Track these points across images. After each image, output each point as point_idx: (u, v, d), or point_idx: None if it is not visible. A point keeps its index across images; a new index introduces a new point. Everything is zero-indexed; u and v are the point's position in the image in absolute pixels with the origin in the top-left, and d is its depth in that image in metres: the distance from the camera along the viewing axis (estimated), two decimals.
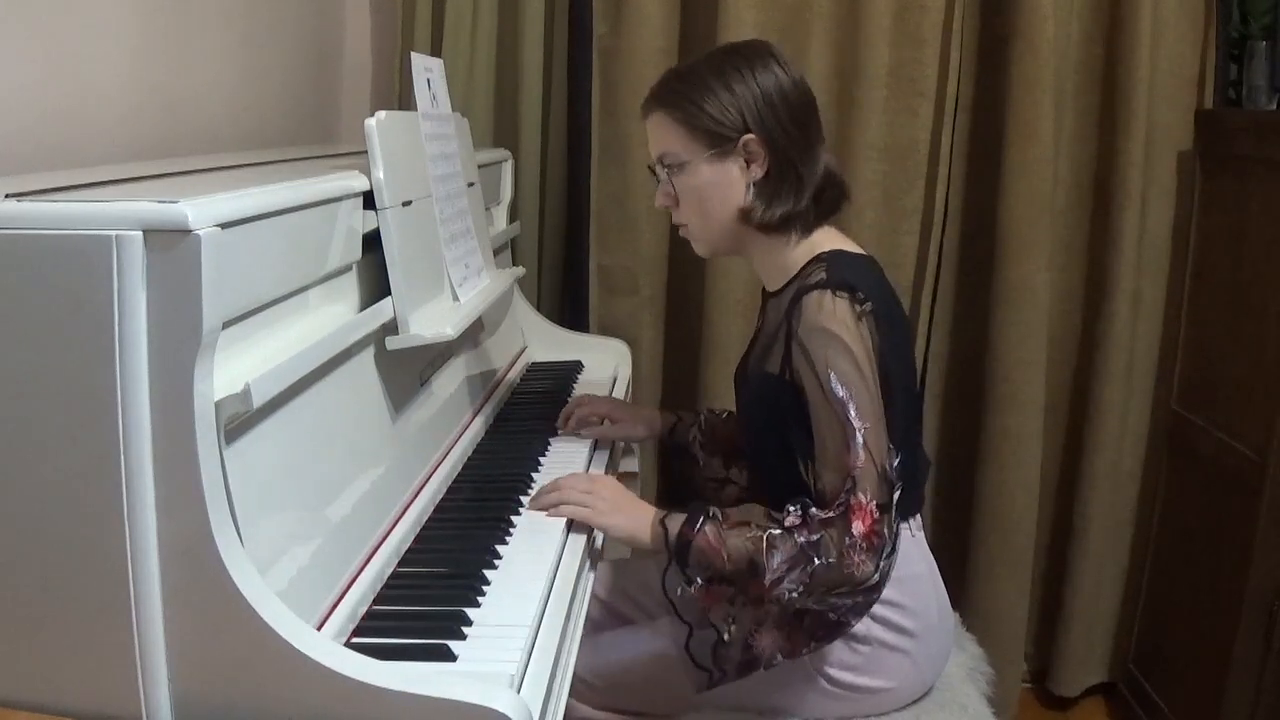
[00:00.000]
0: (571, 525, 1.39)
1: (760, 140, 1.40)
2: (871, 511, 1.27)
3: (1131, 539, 2.41)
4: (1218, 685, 1.99)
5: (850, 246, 1.46)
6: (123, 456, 0.92)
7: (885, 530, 1.28)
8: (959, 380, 2.37)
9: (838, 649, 1.40)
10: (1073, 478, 2.36)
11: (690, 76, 1.44)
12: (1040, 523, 2.32)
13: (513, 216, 2.28)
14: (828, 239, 1.45)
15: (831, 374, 1.30)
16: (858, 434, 1.29)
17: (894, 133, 2.24)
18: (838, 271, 1.37)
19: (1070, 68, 2.24)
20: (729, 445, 1.73)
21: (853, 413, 1.29)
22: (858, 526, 1.26)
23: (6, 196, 0.96)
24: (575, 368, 2.13)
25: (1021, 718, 2.40)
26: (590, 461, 1.66)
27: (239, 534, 0.96)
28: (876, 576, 1.28)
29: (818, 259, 1.41)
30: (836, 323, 1.31)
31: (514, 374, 2.02)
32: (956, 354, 2.36)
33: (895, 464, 1.32)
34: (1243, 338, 2.07)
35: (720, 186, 1.43)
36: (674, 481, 1.90)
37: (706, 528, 1.33)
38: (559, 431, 1.74)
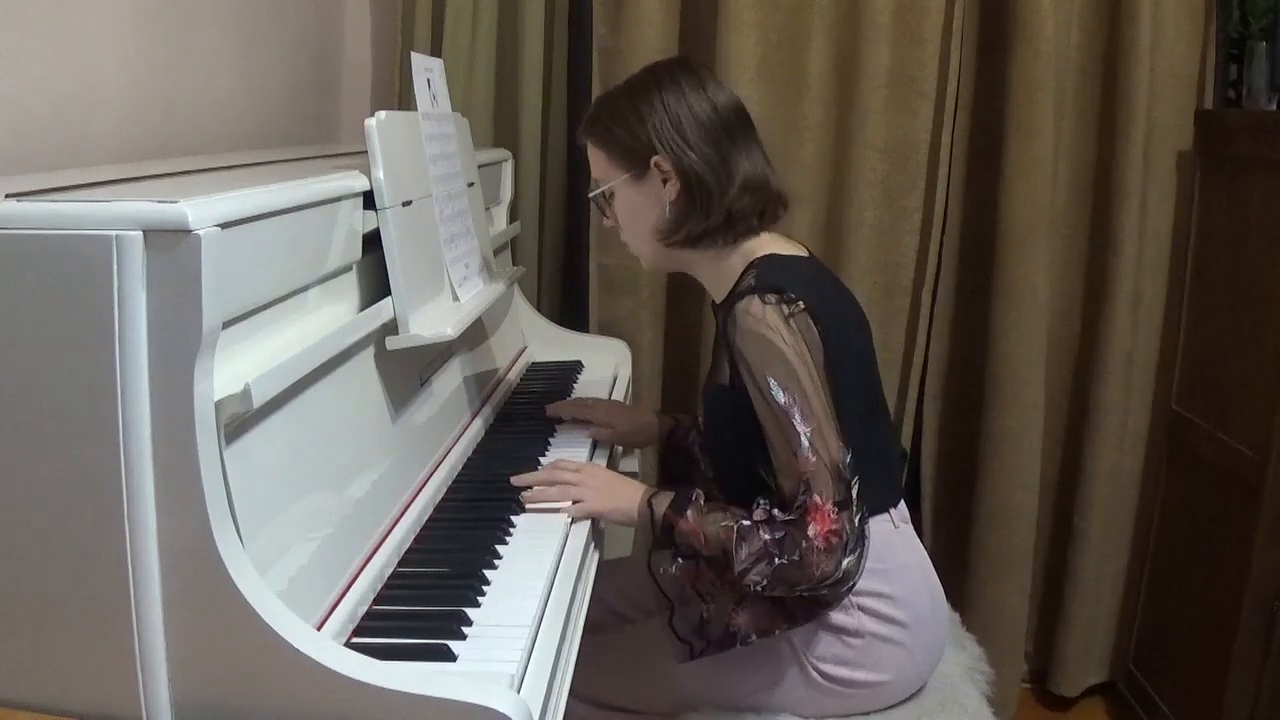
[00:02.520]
0: (572, 522, 1.40)
1: (668, 160, 1.41)
2: (829, 512, 1.29)
3: (1131, 539, 2.41)
4: (1218, 685, 1.99)
5: (787, 249, 1.47)
6: (123, 456, 0.92)
7: (846, 527, 1.29)
8: (959, 380, 2.37)
9: (830, 643, 1.41)
10: (1073, 478, 2.36)
11: (609, 102, 1.48)
12: (1040, 523, 2.32)
13: (513, 216, 2.28)
14: (764, 244, 1.46)
15: (771, 381, 1.32)
16: (802, 438, 1.30)
17: (894, 133, 2.24)
18: (766, 276, 1.38)
19: (1070, 68, 2.24)
20: None
21: (797, 418, 1.31)
22: (813, 528, 1.28)
23: (6, 196, 0.96)
24: (575, 368, 2.13)
25: (1021, 718, 2.40)
26: (590, 461, 1.66)
27: (239, 534, 0.96)
28: (840, 573, 1.30)
29: (750, 266, 1.42)
30: (766, 328, 1.32)
31: (514, 374, 2.02)
32: (956, 354, 2.36)
33: (848, 460, 1.32)
34: (1243, 338, 2.07)
35: (640, 208, 1.46)
36: (674, 482, 1.90)
37: (688, 512, 1.37)
38: (551, 418, 1.75)
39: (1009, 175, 2.20)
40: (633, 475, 2.11)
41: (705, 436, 1.62)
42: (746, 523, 1.32)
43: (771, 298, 1.33)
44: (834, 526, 1.28)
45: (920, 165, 2.25)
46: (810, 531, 1.28)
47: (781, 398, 1.31)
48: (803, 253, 1.49)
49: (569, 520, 1.39)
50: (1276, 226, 1.98)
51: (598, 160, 1.49)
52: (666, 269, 1.54)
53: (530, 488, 1.45)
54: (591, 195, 1.51)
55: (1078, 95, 2.27)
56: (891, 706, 1.45)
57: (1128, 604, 2.44)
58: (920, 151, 2.25)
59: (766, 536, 1.30)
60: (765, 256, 1.43)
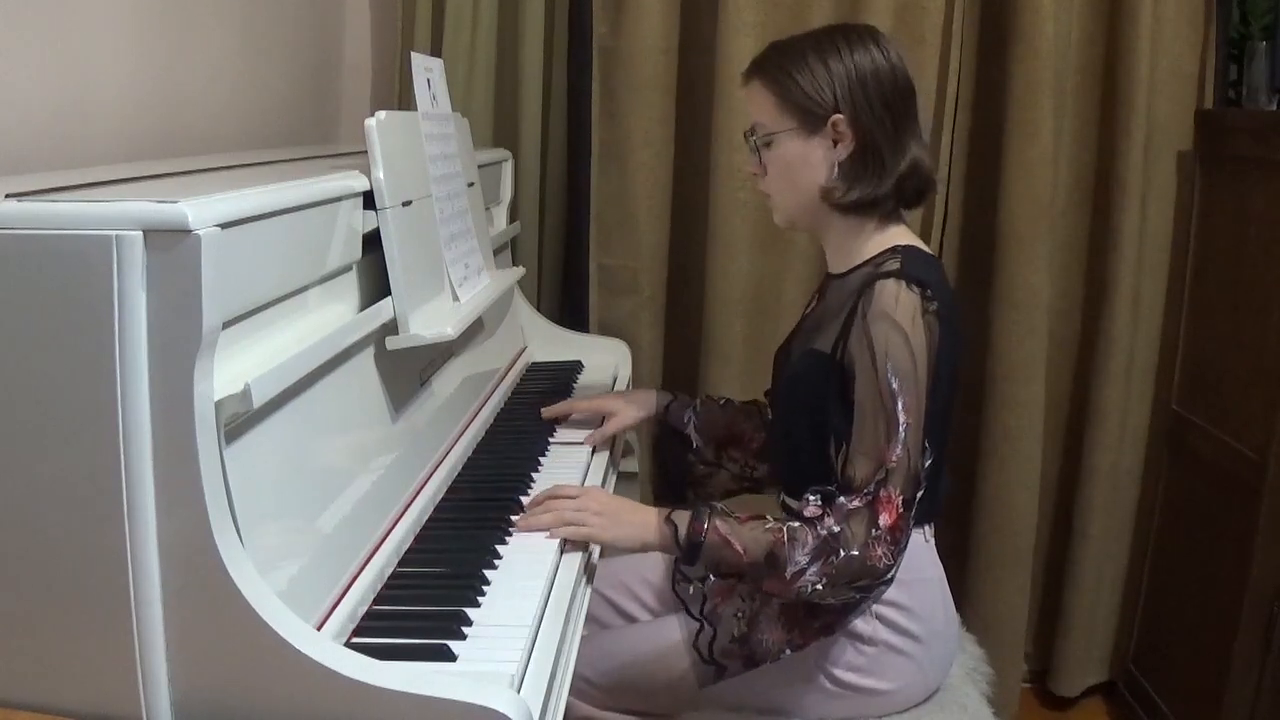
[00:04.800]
0: (564, 547, 1.35)
1: (849, 121, 1.39)
2: (898, 506, 1.28)
3: (1131, 539, 2.41)
4: (1218, 685, 1.99)
5: (924, 246, 1.46)
6: (123, 456, 0.92)
7: (906, 526, 1.29)
8: (959, 380, 2.36)
9: (843, 648, 1.41)
10: (1073, 478, 2.36)
11: (790, 49, 1.43)
12: (1040, 523, 2.32)
13: (513, 216, 2.28)
14: (903, 235, 1.45)
15: (889, 364, 1.31)
16: (900, 429, 1.29)
17: None
18: (912, 266, 1.37)
19: (1070, 68, 2.24)
20: (724, 432, 1.73)
21: (900, 407, 1.30)
22: (884, 519, 1.28)
23: (6, 196, 0.96)
24: (575, 368, 2.13)
25: (1021, 718, 2.40)
26: (590, 461, 1.66)
27: (239, 534, 0.96)
28: (894, 570, 1.29)
29: (893, 250, 1.41)
30: (904, 315, 1.32)
31: (514, 374, 2.02)
32: None
33: (927, 465, 1.33)
34: (1243, 338, 2.07)
35: (804, 163, 1.42)
36: (664, 464, 1.89)
37: (716, 522, 1.34)
38: (547, 420, 1.75)
39: (1009, 175, 2.20)
40: (632, 475, 2.12)
41: (777, 402, 1.58)
42: (796, 523, 1.30)
43: (915, 289, 1.33)
44: (900, 522, 1.28)
45: None
46: (881, 521, 1.27)
47: (894, 384, 1.30)
48: (933, 254, 1.48)
49: (560, 543, 1.32)
50: (1276, 226, 1.98)
51: (763, 104, 1.43)
52: (801, 226, 1.49)
53: (536, 512, 1.38)
54: (749, 138, 1.46)
55: (1078, 95, 2.27)
56: (894, 713, 1.45)
57: (1128, 603, 2.44)
58: None
59: (824, 531, 1.28)
60: (909, 246, 1.42)
